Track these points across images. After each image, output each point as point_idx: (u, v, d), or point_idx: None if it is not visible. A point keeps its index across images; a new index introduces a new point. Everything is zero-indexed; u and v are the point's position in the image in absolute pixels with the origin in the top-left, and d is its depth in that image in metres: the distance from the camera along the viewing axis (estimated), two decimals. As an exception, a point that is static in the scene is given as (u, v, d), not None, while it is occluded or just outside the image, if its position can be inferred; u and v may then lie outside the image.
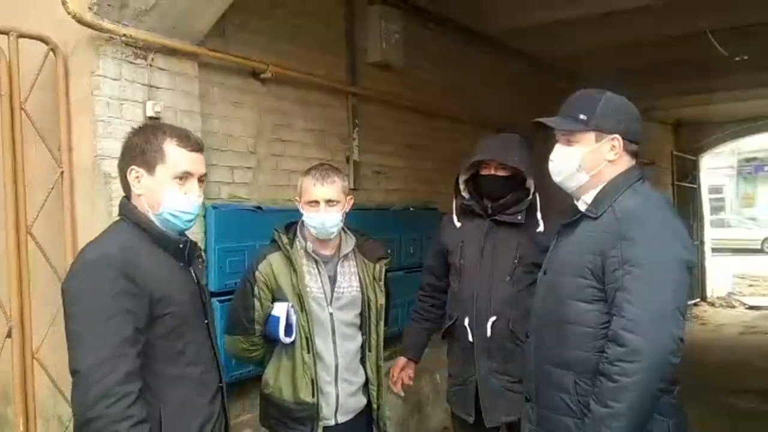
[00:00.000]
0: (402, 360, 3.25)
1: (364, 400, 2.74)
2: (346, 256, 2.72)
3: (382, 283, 2.76)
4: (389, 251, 2.93)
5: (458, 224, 3.06)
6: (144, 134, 1.95)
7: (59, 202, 2.99)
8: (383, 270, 2.77)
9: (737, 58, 7.29)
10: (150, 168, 1.90)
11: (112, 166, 2.94)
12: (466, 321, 2.95)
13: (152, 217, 1.92)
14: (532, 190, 2.98)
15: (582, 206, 2.12)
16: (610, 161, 2.07)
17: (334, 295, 2.66)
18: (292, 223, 2.77)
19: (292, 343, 2.58)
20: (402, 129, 5.11)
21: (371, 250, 2.79)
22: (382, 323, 2.77)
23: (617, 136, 2.06)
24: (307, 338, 2.58)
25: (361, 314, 2.72)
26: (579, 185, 2.12)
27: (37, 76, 2.97)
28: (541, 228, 2.94)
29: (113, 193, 2.94)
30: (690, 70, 7.86)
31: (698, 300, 12.31)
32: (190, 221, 1.98)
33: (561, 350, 2.05)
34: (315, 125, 4.29)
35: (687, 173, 12.55)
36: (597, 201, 2.06)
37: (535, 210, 2.98)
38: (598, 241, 1.99)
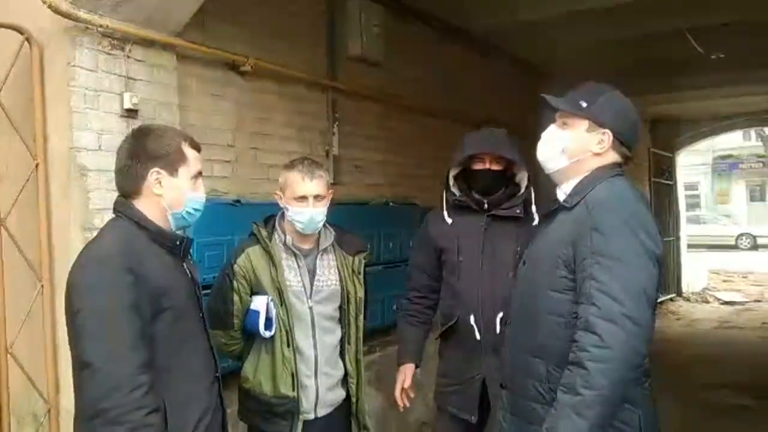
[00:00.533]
0: (411, 368, 3.05)
1: (343, 394, 2.75)
2: (325, 249, 2.73)
3: (361, 276, 2.76)
4: (368, 245, 2.93)
5: (449, 220, 2.98)
6: (159, 137, 2.02)
7: (34, 195, 2.94)
8: (362, 263, 2.79)
9: (713, 56, 7.38)
10: (173, 170, 1.99)
11: (88, 158, 2.92)
12: (472, 319, 2.87)
13: (169, 217, 2.01)
14: (525, 184, 2.98)
15: (561, 196, 2.15)
16: (595, 154, 2.09)
17: (314, 288, 2.67)
18: (270, 216, 2.76)
19: (272, 337, 2.58)
20: (382, 124, 5.10)
21: (350, 243, 2.80)
22: (361, 316, 2.77)
23: (608, 131, 2.07)
24: (287, 332, 2.58)
25: (340, 307, 2.72)
26: (558, 169, 2.15)
27: (12, 66, 2.92)
28: (536, 221, 2.90)
29: (89, 186, 2.90)
30: (667, 67, 7.94)
31: (674, 295, 12.48)
32: (199, 217, 2.11)
33: (535, 339, 2.08)
34: (295, 119, 4.27)
35: (663, 170, 12.70)
36: (574, 191, 2.09)
37: (530, 204, 2.96)
38: (570, 232, 2.02)
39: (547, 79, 7.43)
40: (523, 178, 2.99)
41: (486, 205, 2.94)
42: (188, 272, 2.08)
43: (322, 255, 2.72)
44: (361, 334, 2.79)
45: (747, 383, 6.47)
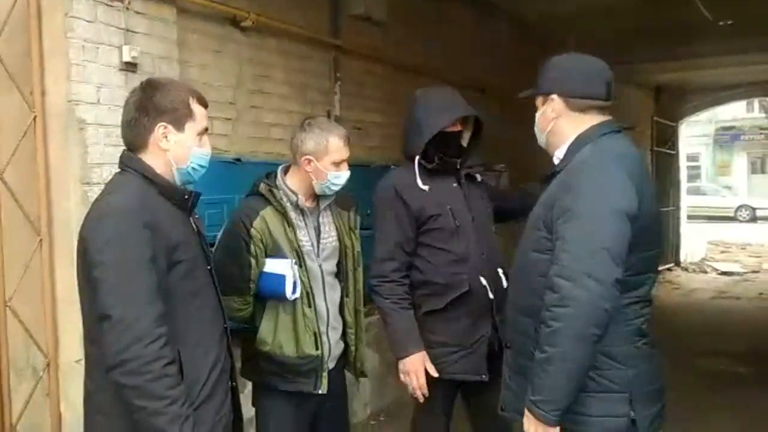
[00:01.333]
0: (425, 354, 2.82)
1: (342, 345, 2.81)
2: (326, 207, 2.74)
3: (357, 231, 2.81)
4: (357, 202, 2.93)
5: (425, 187, 2.85)
6: (168, 91, 2.01)
7: (32, 148, 2.91)
8: (358, 219, 2.83)
9: (721, 23, 7.26)
10: (180, 125, 1.99)
11: (86, 112, 2.88)
12: (483, 280, 2.83)
13: (174, 172, 2.01)
14: (466, 143, 2.97)
15: (556, 161, 2.19)
16: (552, 119, 2.14)
17: (320, 246, 2.70)
18: (267, 175, 2.74)
19: (284, 299, 2.58)
20: (384, 85, 5.03)
21: (344, 199, 2.83)
22: (360, 269, 2.81)
23: (554, 95, 2.12)
24: (307, 293, 2.61)
25: (339, 263, 2.77)
26: (544, 144, 2.24)
27: (8, 16, 2.86)
28: (479, 178, 3.04)
29: (87, 139, 2.87)
30: (673, 34, 7.81)
31: (672, 265, 12.54)
32: (204, 173, 2.12)
33: (525, 298, 2.13)
34: (296, 78, 4.21)
35: (666, 139, 12.63)
36: (564, 156, 2.13)
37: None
38: (553, 194, 2.05)
39: (548, 43, 7.33)
40: (464, 136, 2.98)
41: (458, 166, 2.92)
42: (195, 226, 2.09)
43: (323, 213, 2.74)
44: (360, 287, 2.82)
45: (742, 352, 6.52)
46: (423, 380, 2.81)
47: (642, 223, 1.93)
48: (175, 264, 1.91)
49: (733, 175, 29.89)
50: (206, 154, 2.08)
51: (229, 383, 2.12)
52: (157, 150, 1.98)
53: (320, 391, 2.64)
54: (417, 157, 2.85)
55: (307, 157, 2.64)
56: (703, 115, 16.52)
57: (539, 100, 2.20)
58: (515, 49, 6.91)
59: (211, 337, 2.05)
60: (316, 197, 2.72)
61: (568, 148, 2.12)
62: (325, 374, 2.65)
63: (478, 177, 3.04)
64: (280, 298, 2.57)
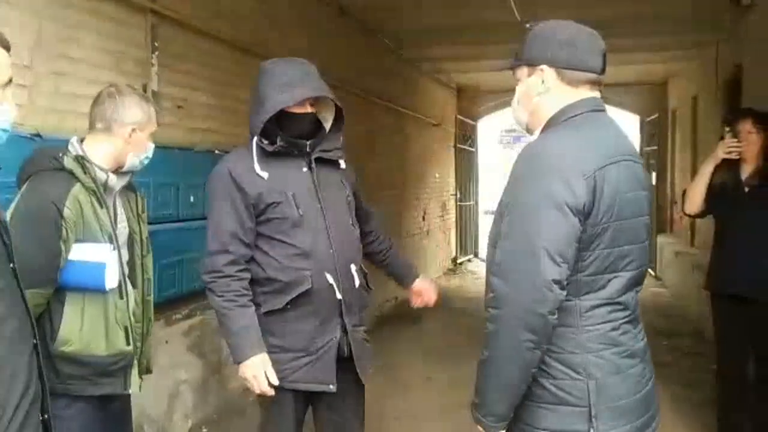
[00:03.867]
0: (266, 358, 2.51)
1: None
2: (120, 189, 2.48)
3: (145, 215, 2.58)
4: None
5: (264, 174, 2.52)
6: None
7: None
8: (145, 202, 2.61)
9: (528, 24, 7.59)
10: None
11: None
12: (330, 278, 2.53)
13: None
14: (328, 125, 2.70)
15: None
16: (539, 94, 1.86)
17: (117, 231, 2.41)
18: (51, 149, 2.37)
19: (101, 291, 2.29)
20: (212, 62, 4.57)
21: (130, 182, 2.56)
22: (150, 256, 2.57)
23: (543, 66, 1.84)
24: (120, 282, 2.34)
25: (129, 249, 2.51)
26: (523, 122, 1.97)
27: None
28: (343, 165, 2.73)
29: None
30: (478, 32, 8.00)
31: (471, 256, 13.23)
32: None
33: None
34: (109, 44, 3.62)
35: (467, 137, 13.26)
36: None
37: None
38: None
39: (373, 34, 7.24)
40: (326, 118, 2.70)
41: (308, 149, 2.60)
42: None
43: (117, 194, 2.47)
44: (150, 275, 2.57)
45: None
46: (265, 386, 2.48)
47: (601, 218, 1.70)
48: None
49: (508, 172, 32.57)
50: (6, 114, 1.62)
51: (40, 416, 1.62)
52: None
53: (130, 391, 2.39)
54: (255, 138, 2.51)
55: (133, 127, 2.37)
56: (498, 116, 17.59)
57: (523, 72, 1.90)
58: (342, 35, 6.74)
59: (19, 355, 1.56)
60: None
61: (544, 128, 1.87)
62: (135, 371, 2.40)
63: (341, 163, 2.70)
64: (96, 289, 2.25)
